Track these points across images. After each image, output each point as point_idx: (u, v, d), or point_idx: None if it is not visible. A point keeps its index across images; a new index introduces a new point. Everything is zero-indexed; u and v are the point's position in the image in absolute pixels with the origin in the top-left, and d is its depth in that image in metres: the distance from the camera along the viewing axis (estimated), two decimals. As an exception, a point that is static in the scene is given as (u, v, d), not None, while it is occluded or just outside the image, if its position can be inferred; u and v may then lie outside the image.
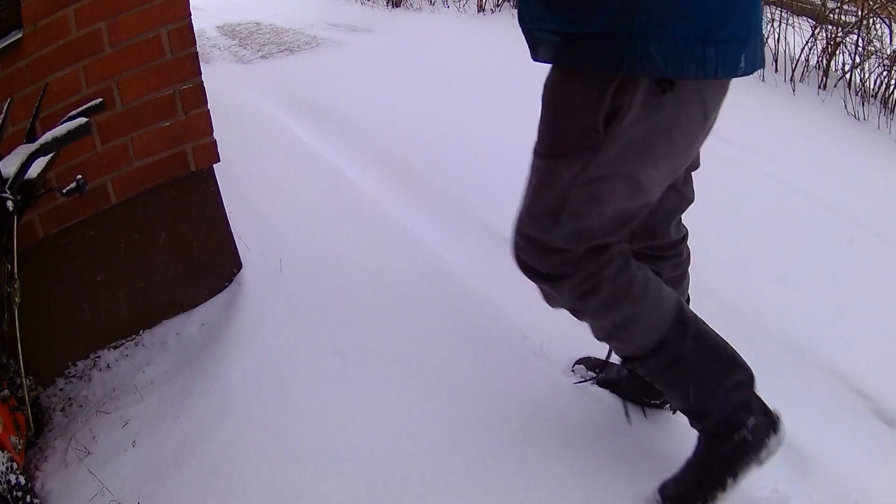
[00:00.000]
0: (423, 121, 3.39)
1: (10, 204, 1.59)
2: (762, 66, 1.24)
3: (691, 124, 1.24)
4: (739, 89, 4.16)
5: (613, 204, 1.29)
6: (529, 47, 1.31)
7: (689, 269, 1.82)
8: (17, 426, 1.80)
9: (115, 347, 2.24)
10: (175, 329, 2.27)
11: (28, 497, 1.64)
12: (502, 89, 3.67)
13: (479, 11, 5.17)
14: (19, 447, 1.78)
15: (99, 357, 2.21)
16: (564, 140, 1.28)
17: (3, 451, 1.61)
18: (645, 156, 1.24)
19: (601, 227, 1.31)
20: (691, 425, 1.47)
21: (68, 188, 1.72)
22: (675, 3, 1.07)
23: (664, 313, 1.38)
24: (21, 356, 1.79)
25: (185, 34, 2.02)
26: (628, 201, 1.30)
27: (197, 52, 2.08)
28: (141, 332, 2.27)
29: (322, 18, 5.61)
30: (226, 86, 4.09)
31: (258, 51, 5.41)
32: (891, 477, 1.73)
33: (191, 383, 2.04)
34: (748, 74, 1.18)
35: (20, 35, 1.77)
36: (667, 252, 1.62)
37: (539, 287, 1.43)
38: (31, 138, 1.70)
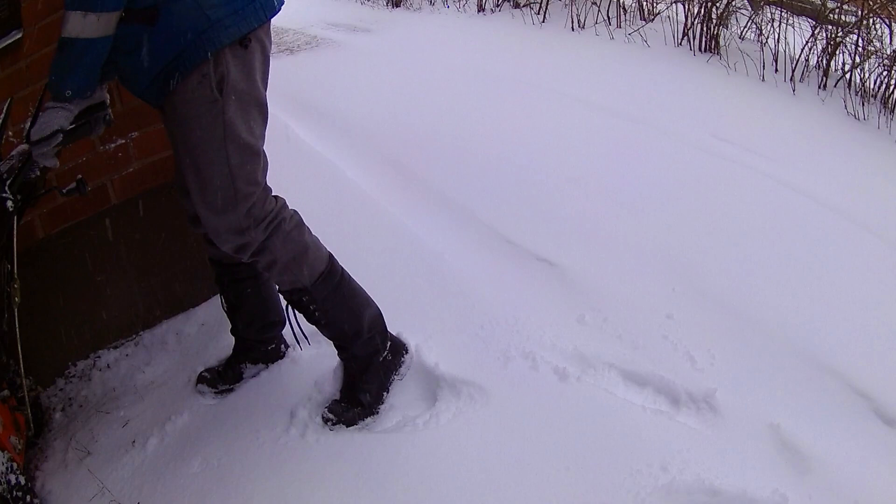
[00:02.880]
0: (423, 120, 3.39)
1: (10, 204, 1.59)
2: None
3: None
4: (740, 89, 4.18)
5: None
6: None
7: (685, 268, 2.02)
8: (17, 426, 1.80)
9: (115, 347, 2.24)
10: (175, 329, 2.28)
11: (28, 497, 1.64)
12: (502, 89, 3.67)
13: (479, 11, 5.17)
14: (19, 447, 1.77)
15: (99, 357, 2.21)
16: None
17: (2, 452, 1.61)
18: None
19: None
20: (341, 356, 1.88)
21: (68, 188, 1.72)
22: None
23: (322, 249, 1.77)
24: (21, 356, 1.79)
25: (185, 34, 2.01)
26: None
27: (197, 52, 2.08)
28: (141, 332, 2.27)
29: (322, 18, 5.61)
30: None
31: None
32: (891, 477, 1.74)
33: (190, 383, 2.04)
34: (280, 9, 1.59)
35: (20, 35, 1.77)
36: None
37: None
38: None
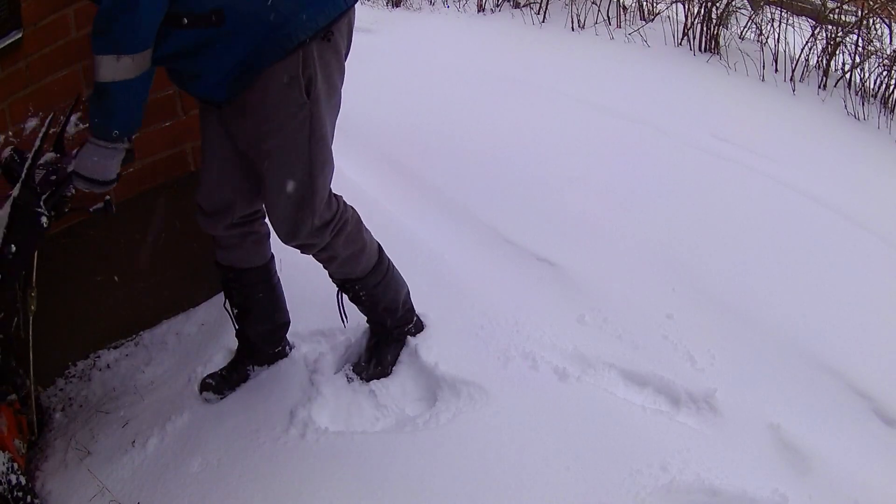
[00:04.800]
0: (423, 120, 3.39)
1: (44, 220, 1.61)
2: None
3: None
4: (740, 89, 4.18)
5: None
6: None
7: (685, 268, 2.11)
8: (20, 429, 1.80)
9: (115, 347, 2.24)
10: (175, 329, 2.27)
11: (28, 497, 1.64)
12: (502, 89, 3.67)
13: (478, 11, 5.17)
14: (22, 451, 1.78)
15: (99, 357, 2.21)
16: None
17: (3, 452, 1.62)
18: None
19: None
20: (375, 327, 2.02)
21: (95, 207, 1.73)
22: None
23: (374, 243, 1.86)
24: (32, 362, 1.79)
25: (185, 34, 2.01)
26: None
27: (197, 53, 2.08)
28: (141, 332, 2.27)
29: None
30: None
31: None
32: (891, 477, 1.74)
33: (191, 383, 2.04)
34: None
35: (20, 35, 1.77)
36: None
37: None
38: (59, 149, 1.70)
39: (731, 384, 1.93)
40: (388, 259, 1.90)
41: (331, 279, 1.89)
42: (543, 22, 4.71)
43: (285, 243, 1.71)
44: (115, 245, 2.15)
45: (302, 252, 1.75)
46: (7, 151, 1.68)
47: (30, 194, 1.61)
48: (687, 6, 4.43)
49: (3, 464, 1.62)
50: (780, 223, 2.71)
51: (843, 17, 4.31)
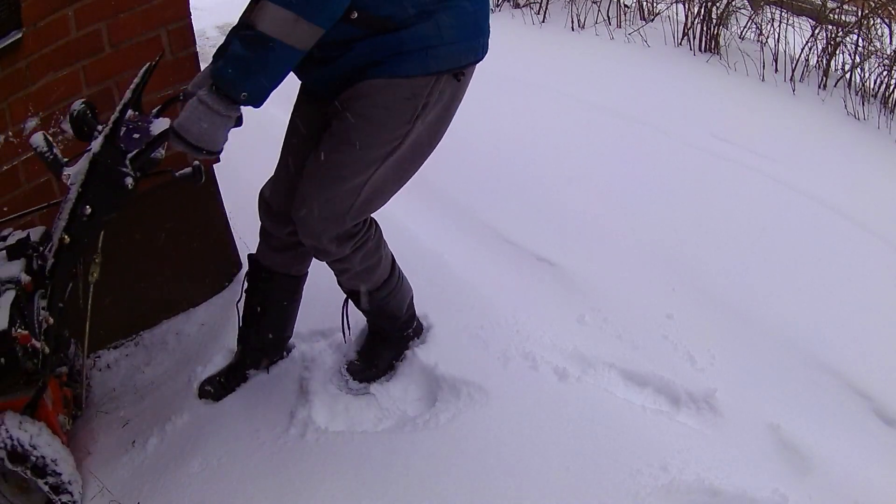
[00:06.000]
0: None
1: (129, 181, 1.48)
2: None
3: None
4: (740, 89, 4.18)
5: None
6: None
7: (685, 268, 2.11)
8: (65, 403, 1.79)
9: (115, 347, 2.24)
10: (175, 329, 2.27)
11: (66, 474, 1.64)
12: (502, 89, 3.67)
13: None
14: (67, 426, 1.76)
15: (99, 357, 2.21)
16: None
17: (36, 422, 1.61)
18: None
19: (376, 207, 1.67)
20: (375, 329, 2.00)
21: (182, 172, 1.60)
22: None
23: (388, 257, 1.84)
24: (87, 333, 1.75)
25: (185, 34, 2.01)
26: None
27: (197, 53, 2.08)
28: (141, 332, 2.27)
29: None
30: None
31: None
32: (891, 477, 1.74)
33: (190, 383, 2.04)
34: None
35: (20, 35, 1.76)
36: None
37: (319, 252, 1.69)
38: (137, 107, 1.61)
39: (731, 384, 1.93)
40: (399, 270, 1.89)
41: (339, 287, 1.86)
42: (543, 22, 4.71)
43: (303, 240, 1.66)
44: (115, 245, 2.15)
45: (315, 256, 1.73)
46: (78, 104, 1.56)
47: (114, 151, 1.46)
48: (687, 6, 4.43)
49: (47, 442, 1.61)
50: (780, 223, 2.71)
51: (843, 17, 4.31)
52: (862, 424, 1.88)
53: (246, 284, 1.91)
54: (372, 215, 1.72)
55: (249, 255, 1.90)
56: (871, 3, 4.08)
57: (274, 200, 1.74)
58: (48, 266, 1.56)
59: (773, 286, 2.34)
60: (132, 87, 1.51)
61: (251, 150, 3.10)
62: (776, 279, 2.38)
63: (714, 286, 2.33)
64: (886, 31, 4.17)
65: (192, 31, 2.03)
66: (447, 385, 1.92)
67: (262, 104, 1.35)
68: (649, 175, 2.94)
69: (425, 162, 1.66)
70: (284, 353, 2.06)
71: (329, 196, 1.55)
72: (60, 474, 1.63)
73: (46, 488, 1.62)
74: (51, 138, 1.53)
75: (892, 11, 4.20)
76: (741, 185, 2.95)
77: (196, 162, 1.61)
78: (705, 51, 4.33)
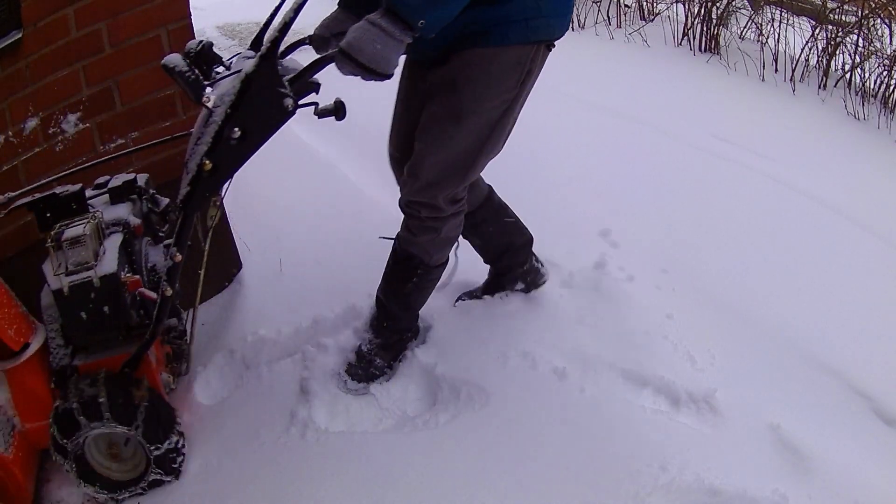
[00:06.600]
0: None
1: (289, 101, 1.40)
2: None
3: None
4: (739, 89, 4.17)
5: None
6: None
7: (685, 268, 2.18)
8: (168, 360, 1.78)
9: (115, 347, 2.23)
10: (175, 329, 2.27)
11: (170, 427, 1.64)
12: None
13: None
14: (172, 386, 1.75)
15: (99, 357, 2.20)
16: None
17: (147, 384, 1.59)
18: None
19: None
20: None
21: (324, 107, 1.52)
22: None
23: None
24: (201, 282, 1.73)
25: (185, 34, 2.01)
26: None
27: (197, 53, 2.08)
28: (141, 332, 2.27)
29: (322, 18, 5.60)
30: (226, 86, 4.08)
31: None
32: (891, 477, 1.74)
33: (190, 383, 2.04)
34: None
35: (20, 35, 1.77)
36: None
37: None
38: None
39: (731, 384, 1.93)
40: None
41: (399, 248, 1.87)
42: (543, 22, 4.71)
43: (408, 196, 1.75)
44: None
45: (410, 216, 1.78)
46: (194, 43, 1.51)
47: (273, 71, 1.37)
48: (687, 6, 4.44)
49: (149, 398, 1.59)
50: (780, 223, 2.71)
51: (843, 17, 4.31)
52: (862, 424, 1.88)
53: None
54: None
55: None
56: (871, 3, 4.08)
57: (392, 147, 1.93)
58: (181, 195, 1.47)
59: (773, 286, 2.34)
60: (294, 5, 1.38)
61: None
62: (776, 279, 2.38)
63: (714, 286, 2.33)
64: (886, 31, 4.17)
65: (192, 31, 2.04)
66: (447, 385, 1.92)
67: (431, 36, 1.39)
68: (649, 175, 2.94)
69: None
70: (540, 271, 2.22)
71: (442, 158, 1.66)
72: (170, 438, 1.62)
73: (156, 453, 1.61)
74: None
75: (892, 11, 4.20)
76: (741, 185, 2.95)
77: (338, 98, 1.53)
78: (705, 51, 4.33)
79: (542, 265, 2.23)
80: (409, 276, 1.88)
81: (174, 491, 1.72)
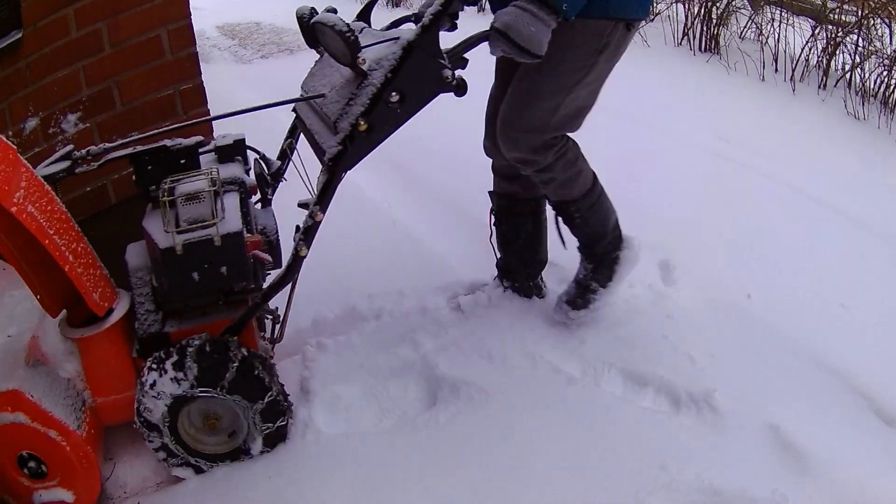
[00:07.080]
0: (423, 120, 3.39)
1: (448, 74, 1.49)
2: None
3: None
4: (739, 89, 4.17)
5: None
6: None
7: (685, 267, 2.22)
8: (262, 328, 1.75)
9: (115, 347, 2.23)
10: (175, 329, 2.27)
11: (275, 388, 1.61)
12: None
13: (479, 11, 5.17)
14: (271, 352, 1.70)
15: (99, 357, 2.20)
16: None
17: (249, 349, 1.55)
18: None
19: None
20: (586, 253, 2.09)
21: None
22: None
23: (590, 171, 2.01)
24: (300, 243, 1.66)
25: (185, 34, 2.02)
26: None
27: (197, 52, 2.09)
28: (141, 331, 2.26)
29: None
30: (226, 86, 4.08)
31: (258, 51, 5.40)
32: (891, 477, 1.73)
33: (191, 383, 2.04)
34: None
35: (20, 35, 1.77)
36: None
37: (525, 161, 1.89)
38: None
39: (731, 384, 1.92)
40: (601, 186, 2.03)
41: (548, 202, 2.05)
42: (543, 22, 4.71)
43: (506, 152, 1.87)
44: (115, 245, 2.15)
45: (523, 169, 1.90)
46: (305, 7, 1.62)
47: (434, 42, 1.47)
48: (687, 6, 4.44)
49: (258, 365, 1.54)
50: (780, 223, 2.71)
51: (843, 17, 4.31)
52: (862, 424, 1.88)
53: (493, 219, 2.18)
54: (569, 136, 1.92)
55: (490, 192, 2.18)
56: (871, 3, 4.08)
57: (489, 136, 2.04)
58: (329, 154, 1.51)
59: (772, 285, 2.34)
60: None
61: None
62: (776, 278, 2.38)
63: (714, 286, 2.33)
64: (886, 31, 4.18)
65: (192, 30, 2.04)
66: (447, 385, 1.92)
67: (572, 17, 1.51)
68: (648, 174, 2.94)
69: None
70: (543, 292, 2.26)
71: (526, 113, 1.78)
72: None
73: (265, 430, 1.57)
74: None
75: (892, 11, 4.20)
76: (740, 185, 2.95)
77: (460, 75, 1.59)
78: (705, 51, 4.33)
79: (544, 286, 2.28)
80: (579, 215, 1.99)
81: (174, 491, 1.72)
